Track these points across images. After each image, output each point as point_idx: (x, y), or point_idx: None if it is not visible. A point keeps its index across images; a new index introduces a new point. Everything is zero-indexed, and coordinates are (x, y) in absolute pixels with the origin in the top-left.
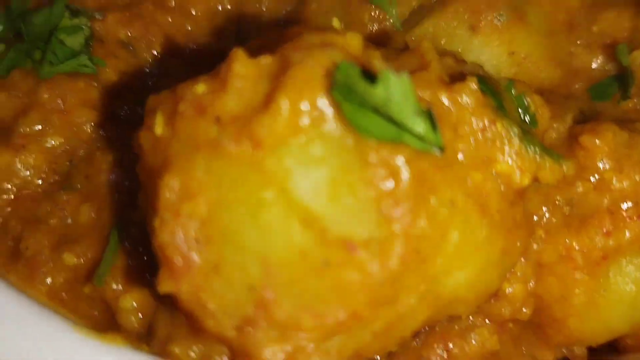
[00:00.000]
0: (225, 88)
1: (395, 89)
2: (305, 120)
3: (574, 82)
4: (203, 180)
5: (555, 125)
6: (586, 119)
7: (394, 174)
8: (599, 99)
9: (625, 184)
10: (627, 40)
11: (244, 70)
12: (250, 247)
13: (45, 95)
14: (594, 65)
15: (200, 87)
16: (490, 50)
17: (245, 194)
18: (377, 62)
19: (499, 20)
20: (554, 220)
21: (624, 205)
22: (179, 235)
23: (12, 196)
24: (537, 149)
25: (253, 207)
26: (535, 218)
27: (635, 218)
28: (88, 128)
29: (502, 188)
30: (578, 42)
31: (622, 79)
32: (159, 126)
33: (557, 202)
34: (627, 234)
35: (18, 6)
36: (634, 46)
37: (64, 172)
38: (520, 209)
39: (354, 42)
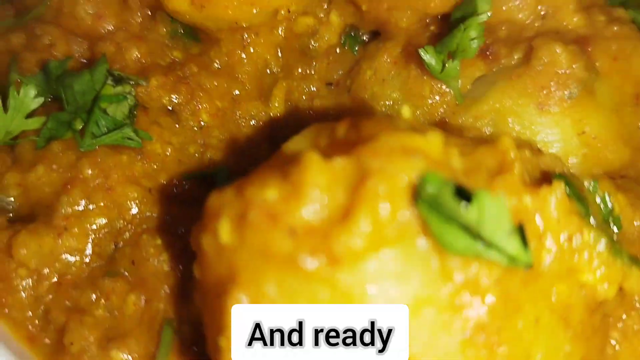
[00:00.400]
0: (299, 196)
1: (490, 211)
2: (386, 235)
3: None
4: (274, 296)
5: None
6: None
7: (480, 296)
8: None
9: None
10: None
11: (319, 178)
12: None
13: (89, 171)
14: None
15: (271, 193)
16: (559, 131)
17: None
18: (461, 168)
19: (569, 97)
20: (631, 323)
21: None
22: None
23: (54, 281)
24: (624, 258)
25: None
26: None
27: None
28: (133, 207)
29: (587, 299)
30: None
31: None
32: (224, 232)
33: (634, 304)
34: None
35: (56, 68)
36: None
37: (108, 256)
38: (600, 315)
39: (435, 144)
